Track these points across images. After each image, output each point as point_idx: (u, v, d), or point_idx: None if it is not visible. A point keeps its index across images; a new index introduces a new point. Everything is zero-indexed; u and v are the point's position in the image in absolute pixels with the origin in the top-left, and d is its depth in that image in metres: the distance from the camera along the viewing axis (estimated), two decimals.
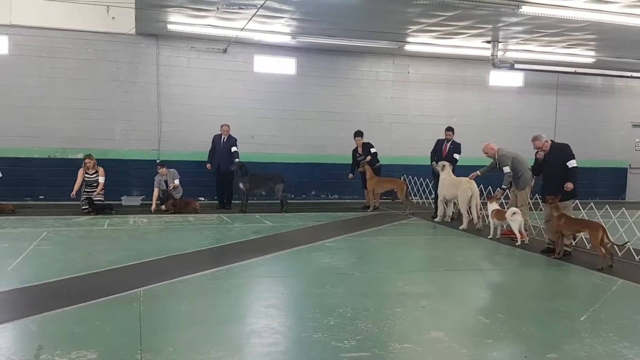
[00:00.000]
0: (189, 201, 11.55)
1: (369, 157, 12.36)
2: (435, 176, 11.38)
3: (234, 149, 11.88)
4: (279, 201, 11.89)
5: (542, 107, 15.52)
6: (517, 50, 12.88)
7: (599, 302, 5.68)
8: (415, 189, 13.45)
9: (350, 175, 12.83)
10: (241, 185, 11.64)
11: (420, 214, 11.79)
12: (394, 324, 4.73)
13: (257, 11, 9.78)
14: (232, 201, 12.17)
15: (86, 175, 11.08)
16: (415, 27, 11.03)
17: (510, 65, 12.63)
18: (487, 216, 9.45)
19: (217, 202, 12.26)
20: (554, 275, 7.06)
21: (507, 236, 9.01)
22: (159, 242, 8.45)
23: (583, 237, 8.22)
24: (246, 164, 11.82)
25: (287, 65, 13.61)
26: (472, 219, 10.12)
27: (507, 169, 9.16)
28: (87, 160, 11.09)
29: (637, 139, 16.59)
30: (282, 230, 9.56)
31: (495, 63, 12.41)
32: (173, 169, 11.70)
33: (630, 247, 7.68)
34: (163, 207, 11.30)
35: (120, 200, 12.18)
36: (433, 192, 11.85)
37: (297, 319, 4.92)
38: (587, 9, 9.04)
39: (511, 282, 6.79)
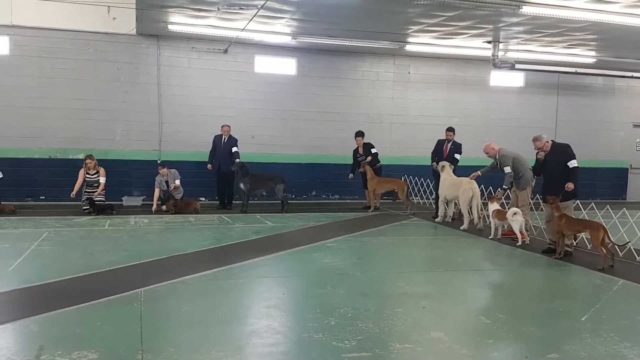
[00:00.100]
0: (190, 201, 11.55)
1: (369, 158, 12.36)
2: (436, 176, 11.38)
3: (234, 149, 11.89)
4: (280, 201, 11.89)
5: (542, 107, 15.52)
6: (517, 50, 12.88)
7: (599, 302, 5.67)
8: (415, 189, 13.45)
9: (351, 175, 12.83)
10: (242, 185, 11.64)
11: (420, 214, 11.79)
12: (394, 324, 4.73)
13: (257, 11, 9.78)
14: (233, 201, 12.18)
15: (87, 175, 11.08)
16: (415, 28, 11.03)
17: (511, 66, 12.63)
18: (488, 216, 9.45)
19: (218, 202, 12.26)
20: (555, 276, 7.05)
21: (508, 236, 9.01)
22: (160, 243, 8.45)
23: (584, 237, 8.22)
24: (247, 164, 11.83)
25: (287, 66, 13.62)
26: (473, 219, 10.11)
27: (508, 169, 9.16)
28: (88, 161, 11.10)
29: (638, 139, 16.58)
30: (282, 230, 9.56)
31: (496, 63, 12.41)
32: (174, 170, 11.70)
33: (631, 247, 7.68)
34: (164, 207, 11.30)
35: (121, 200, 12.18)
36: (434, 193, 11.86)
37: (298, 319, 4.92)
38: (587, 9, 9.04)
39: (512, 283, 6.79)
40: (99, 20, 11.98)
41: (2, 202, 10.90)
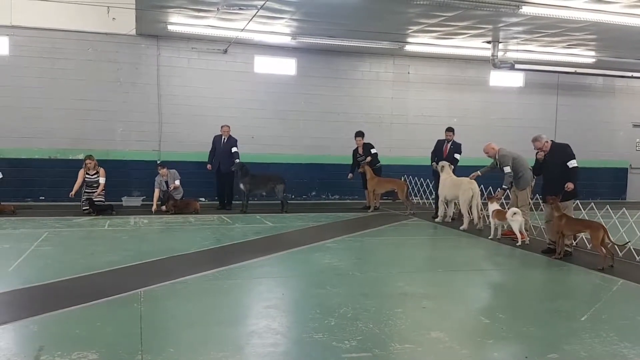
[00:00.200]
0: (190, 202, 11.55)
1: (369, 158, 12.36)
2: (436, 176, 11.38)
3: (234, 149, 11.88)
4: (280, 202, 11.89)
5: (542, 107, 15.52)
6: (517, 50, 12.89)
7: (599, 302, 5.67)
8: (415, 189, 13.45)
9: (350, 175, 12.83)
10: (242, 185, 11.65)
11: (420, 214, 11.79)
12: (394, 325, 4.73)
13: (257, 12, 9.78)
14: (233, 202, 12.18)
15: (87, 176, 11.08)
16: (415, 28, 11.03)
17: (511, 66, 12.64)
18: (488, 216, 9.45)
19: (218, 202, 12.26)
20: (555, 276, 7.05)
21: (508, 236, 9.01)
22: (160, 243, 8.45)
23: (584, 237, 8.22)
24: (246, 164, 11.83)
25: (287, 66, 13.62)
26: (473, 219, 10.12)
27: (507, 169, 9.16)
28: (87, 161, 11.10)
29: (638, 139, 16.59)
30: (282, 230, 9.56)
31: (495, 63, 12.41)
32: (174, 170, 11.70)
33: (631, 247, 7.68)
34: (164, 207, 11.30)
35: (121, 201, 12.19)
36: (433, 193, 11.86)
37: (298, 320, 4.93)
38: (587, 9, 9.04)
39: (512, 283, 6.79)
40: (99, 20, 11.98)
41: (2, 203, 10.89)
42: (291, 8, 9.75)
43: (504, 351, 4.29)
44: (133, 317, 4.76)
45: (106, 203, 11.14)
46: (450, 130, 11.55)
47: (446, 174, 10.71)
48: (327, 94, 13.86)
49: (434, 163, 11.51)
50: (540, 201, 8.58)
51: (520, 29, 10.77)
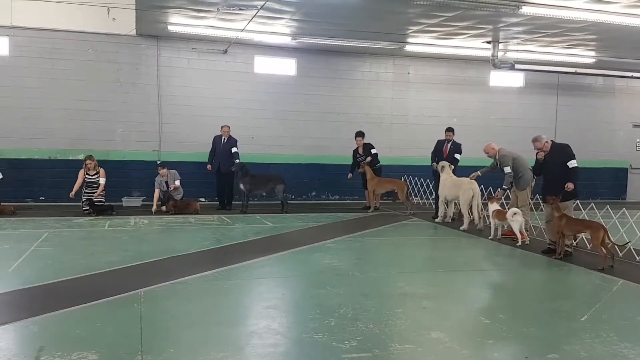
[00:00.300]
0: (190, 202, 11.55)
1: (369, 158, 12.36)
2: (436, 177, 11.38)
3: (234, 149, 11.88)
4: (280, 202, 11.89)
5: (542, 107, 15.52)
6: (517, 50, 12.89)
7: (599, 302, 5.67)
8: (415, 189, 13.45)
9: (350, 175, 12.83)
10: (242, 186, 11.65)
11: (420, 214, 11.79)
12: (394, 325, 4.73)
13: (257, 12, 9.78)
14: (233, 202, 12.18)
15: (87, 176, 11.08)
16: (415, 28, 11.03)
17: (511, 66, 12.64)
18: (488, 217, 9.45)
19: (218, 203, 12.26)
20: (555, 276, 7.05)
21: (508, 236, 9.01)
22: (160, 243, 8.45)
23: (584, 237, 8.22)
24: (247, 164, 11.83)
25: (287, 66, 13.62)
26: (473, 220, 10.12)
27: (507, 169, 9.16)
28: (88, 162, 11.10)
29: (638, 139, 16.59)
30: (282, 231, 9.56)
31: (495, 63, 12.42)
32: (174, 170, 11.70)
33: (631, 248, 7.68)
34: (164, 208, 11.30)
35: (121, 201, 12.19)
36: (433, 193, 11.86)
37: (298, 320, 4.93)
38: (587, 9, 9.04)
39: (512, 283, 6.79)
40: (99, 21, 11.98)
41: (2, 203, 10.89)
42: (291, 8, 9.76)
43: (504, 351, 4.29)
44: (133, 317, 4.76)
45: (106, 203, 11.14)
46: (450, 130, 11.55)
47: (446, 174, 10.71)
48: (327, 94, 13.86)
49: (434, 163, 11.51)
50: (540, 201, 8.58)
51: (520, 29, 10.78)
